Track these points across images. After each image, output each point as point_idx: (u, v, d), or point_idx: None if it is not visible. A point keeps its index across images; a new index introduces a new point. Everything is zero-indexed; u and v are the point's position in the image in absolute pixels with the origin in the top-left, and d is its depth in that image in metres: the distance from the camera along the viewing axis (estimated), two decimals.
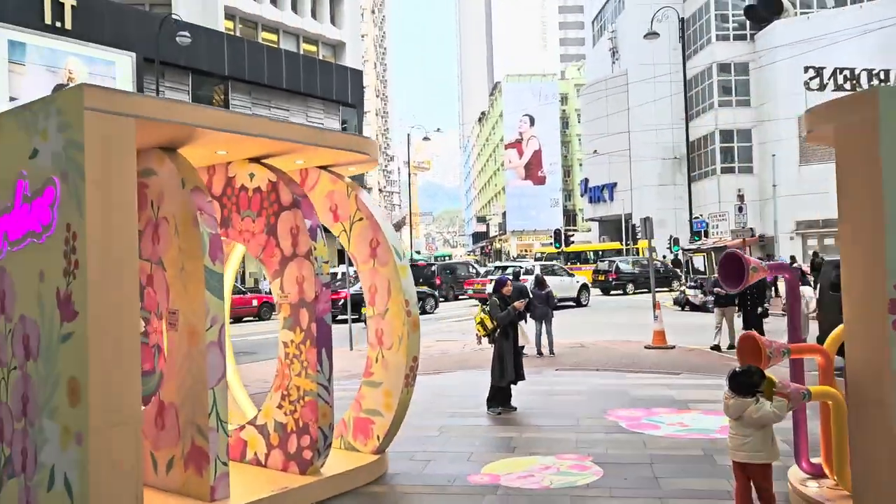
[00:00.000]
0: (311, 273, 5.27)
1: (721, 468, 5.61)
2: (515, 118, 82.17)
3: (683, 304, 22.62)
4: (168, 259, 4.96)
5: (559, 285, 25.37)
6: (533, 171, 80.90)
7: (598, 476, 5.50)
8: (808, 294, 12.74)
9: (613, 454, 6.12)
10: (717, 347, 13.15)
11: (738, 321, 12.98)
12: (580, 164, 79.07)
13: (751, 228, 24.86)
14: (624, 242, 40.17)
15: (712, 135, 47.95)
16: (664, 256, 32.18)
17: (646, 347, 13.70)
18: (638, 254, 41.04)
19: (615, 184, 54.93)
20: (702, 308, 20.80)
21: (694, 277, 23.90)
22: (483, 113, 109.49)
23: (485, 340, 8.34)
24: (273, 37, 35.20)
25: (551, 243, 54.01)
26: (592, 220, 61.54)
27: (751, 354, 4.40)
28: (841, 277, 4.15)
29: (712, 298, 14.49)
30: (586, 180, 60.25)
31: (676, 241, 44.81)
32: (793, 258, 34.14)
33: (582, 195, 65.54)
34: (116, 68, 27.34)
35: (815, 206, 42.55)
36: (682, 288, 23.19)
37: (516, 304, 8.14)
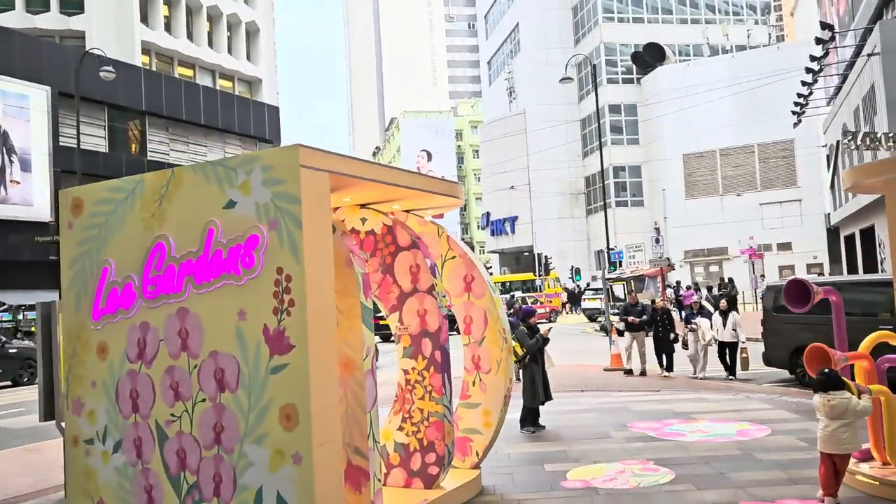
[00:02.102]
0: (434, 306, 5.96)
1: (766, 462, 6.70)
2: (413, 153, 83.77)
3: (609, 329, 24.26)
4: None
5: None
6: None
7: (673, 475, 6.42)
8: (706, 326, 12.98)
9: (667, 458, 7.08)
10: (630, 371, 13.79)
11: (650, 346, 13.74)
12: (476, 199, 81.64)
13: (668, 258, 27.00)
14: (536, 273, 42.00)
15: (606, 170, 51.14)
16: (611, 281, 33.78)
17: (605, 370, 14.91)
18: (544, 286, 42.84)
19: (517, 217, 57.25)
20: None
21: (615, 304, 25.66)
22: (378, 148, 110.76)
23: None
24: (189, 72, 34.82)
25: None
26: (494, 252, 63.63)
27: (819, 362, 5.52)
28: None
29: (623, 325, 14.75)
30: (488, 214, 62.37)
31: (578, 272, 47.35)
32: (678, 283, 37.18)
33: (482, 228, 67.69)
34: (31, 101, 26.31)
35: (699, 237, 46.45)
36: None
37: (543, 331, 9.03)
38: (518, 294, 30.06)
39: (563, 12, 57.44)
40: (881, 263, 21.68)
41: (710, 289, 27.56)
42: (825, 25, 20.00)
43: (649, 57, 51.86)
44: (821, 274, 39.87)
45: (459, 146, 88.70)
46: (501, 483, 6.52)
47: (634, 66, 52.60)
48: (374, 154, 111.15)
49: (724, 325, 12.65)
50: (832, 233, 42.53)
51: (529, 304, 10.81)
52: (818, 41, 20.56)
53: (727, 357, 12.91)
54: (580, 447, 7.81)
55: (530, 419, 8.88)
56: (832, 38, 20.09)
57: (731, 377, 12.74)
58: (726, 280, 36.26)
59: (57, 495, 7.01)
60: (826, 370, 5.35)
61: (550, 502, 5.89)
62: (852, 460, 5.87)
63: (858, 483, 5.68)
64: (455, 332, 6.90)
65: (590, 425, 8.95)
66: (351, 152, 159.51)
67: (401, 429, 6.10)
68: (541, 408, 9.06)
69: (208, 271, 4.92)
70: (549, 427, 8.90)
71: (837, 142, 26.55)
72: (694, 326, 13.14)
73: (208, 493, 4.85)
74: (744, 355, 12.66)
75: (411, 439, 6.03)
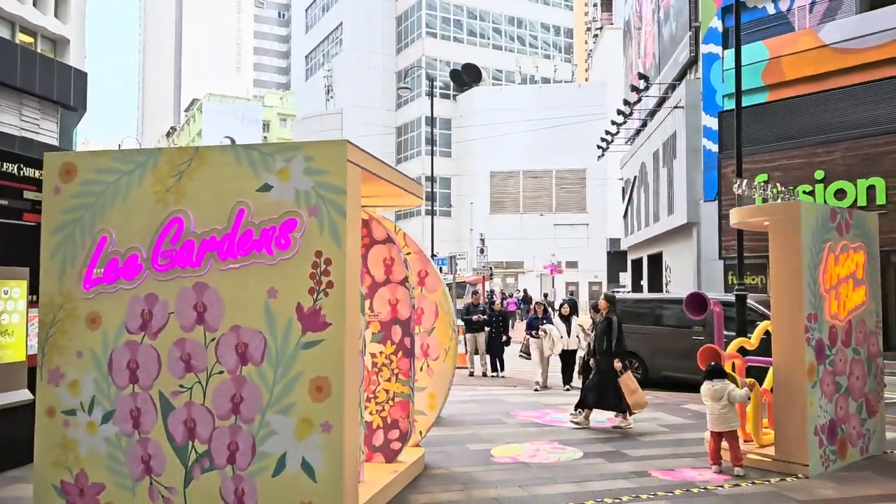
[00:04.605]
0: (407, 297, 6.53)
1: (647, 442, 8.07)
2: (216, 139, 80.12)
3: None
4: None
5: None
6: None
7: (581, 453, 7.53)
8: (555, 333, 12.45)
9: (566, 439, 8.21)
10: (482, 373, 14.41)
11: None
12: None
13: (490, 267, 29.00)
14: None
15: (419, 179, 53.15)
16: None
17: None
18: None
19: None
20: None
21: None
22: (173, 128, 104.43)
23: None
24: None
25: None
26: None
27: (709, 358, 6.94)
28: (772, 310, 6.83)
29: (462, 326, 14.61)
30: None
31: None
32: (492, 291, 40.15)
33: None
34: None
35: (500, 250, 49.95)
36: None
37: None
38: None
39: (388, 20, 58.77)
40: (666, 285, 25.21)
41: (545, 296, 30.18)
42: (642, 76, 23.08)
43: (467, 76, 54.73)
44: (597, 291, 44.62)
45: (266, 137, 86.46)
46: (439, 459, 7.22)
47: (452, 83, 55.25)
48: (169, 135, 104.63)
49: (569, 331, 12.42)
50: (612, 255, 47.93)
51: None
52: (633, 89, 23.56)
53: (568, 366, 12.52)
54: (486, 431, 8.71)
55: None
56: (646, 88, 23.18)
57: (568, 387, 12.36)
58: (521, 291, 39.52)
59: None
60: (712, 364, 6.77)
61: (493, 474, 6.70)
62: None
63: (727, 455, 7.15)
64: None
65: (479, 413, 9.89)
66: (139, 128, 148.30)
67: (364, 407, 6.56)
68: None
69: (236, 249, 5.12)
70: (443, 415, 9.69)
71: (634, 177, 30.31)
72: (541, 333, 12.50)
73: (221, 461, 5.04)
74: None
75: (375, 417, 6.54)
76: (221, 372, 5.08)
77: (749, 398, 6.80)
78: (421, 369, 7.27)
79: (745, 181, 7.29)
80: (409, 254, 7.30)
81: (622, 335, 9.10)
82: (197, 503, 5.06)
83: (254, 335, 5.04)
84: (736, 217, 7.38)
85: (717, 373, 6.70)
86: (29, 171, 6.94)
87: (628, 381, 8.70)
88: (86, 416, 5.29)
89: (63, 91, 33.28)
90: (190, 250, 5.20)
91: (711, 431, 6.74)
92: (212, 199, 5.18)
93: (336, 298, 4.94)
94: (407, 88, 27.04)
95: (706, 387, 6.67)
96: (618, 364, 8.78)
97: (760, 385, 7.26)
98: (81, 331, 5.32)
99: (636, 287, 31.62)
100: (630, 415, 8.93)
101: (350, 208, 5.03)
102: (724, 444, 6.75)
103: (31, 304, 6.90)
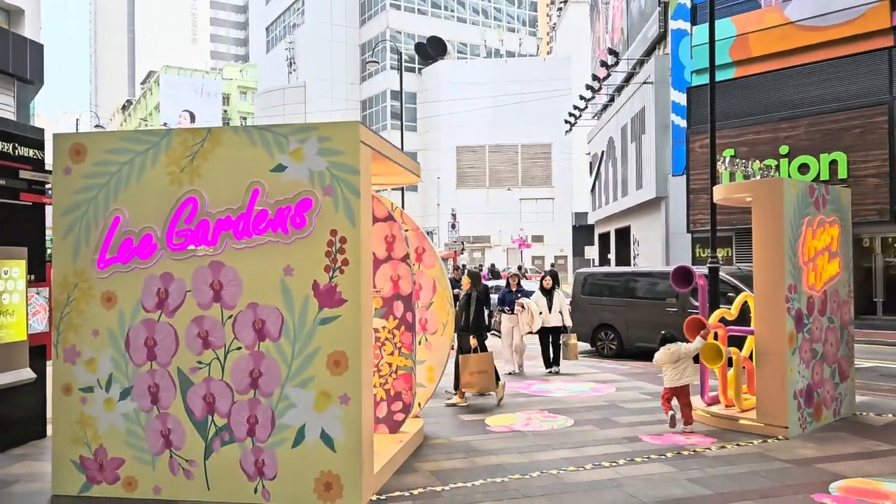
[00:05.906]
0: (408, 273, 6.72)
1: (632, 409, 8.44)
2: (174, 112, 78.58)
3: None
4: None
5: None
6: None
7: (572, 421, 7.85)
8: (534, 308, 11.29)
9: (556, 408, 8.53)
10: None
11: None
12: None
13: (462, 242, 29.24)
14: None
15: None
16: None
17: None
18: None
19: None
20: None
21: None
22: (129, 101, 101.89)
23: None
24: None
25: None
26: None
27: (696, 328, 7.31)
28: (754, 281, 7.19)
29: None
30: None
31: None
32: (464, 265, 40.52)
33: None
34: None
35: (467, 225, 50.24)
36: None
37: None
38: None
39: None
40: (634, 258, 25.77)
41: (519, 268, 30.54)
42: (612, 52, 23.38)
43: (432, 49, 54.55)
44: (558, 264, 45.24)
45: (226, 111, 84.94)
46: (436, 430, 7.47)
47: (417, 56, 54.96)
48: (125, 108, 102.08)
49: (550, 307, 11.41)
50: (577, 229, 48.61)
51: None
52: (603, 64, 23.84)
53: (550, 346, 11.54)
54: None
55: None
56: (616, 63, 23.47)
57: (552, 370, 11.39)
58: (486, 265, 39.93)
59: None
60: (663, 333, 7.27)
61: (492, 442, 6.97)
62: (701, 405, 7.79)
63: (710, 420, 7.56)
64: None
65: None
66: (92, 101, 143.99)
67: None
68: None
69: (251, 229, 5.23)
70: None
71: (602, 152, 30.73)
72: (517, 308, 11.27)
73: (240, 434, 5.21)
74: (571, 342, 11.56)
75: (378, 390, 6.74)
76: (240, 348, 5.23)
77: (700, 349, 7.27)
78: (420, 343, 7.48)
79: (727, 159, 7.61)
80: (406, 230, 7.46)
81: (481, 313, 9.02)
82: (217, 474, 5.23)
83: (271, 312, 5.19)
84: (720, 193, 7.71)
85: (668, 340, 7.34)
86: (24, 151, 6.90)
87: (471, 362, 8.60)
88: (103, 392, 5.40)
89: (19, 63, 32.27)
90: (205, 230, 5.30)
91: (665, 394, 7.21)
92: (226, 179, 5.28)
93: (351, 275, 5.11)
94: (375, 62, 26.83)
95: (663, 352, 7.17)
96: (473, 341, 8.87)
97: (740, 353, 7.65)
98: (97, 309, 5.41)
99: (603, 261, 32.22)
100: (463, 394, 8.91)
101: (363, 188, 5.18)
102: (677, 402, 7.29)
103: (30, 283, 6.91)
